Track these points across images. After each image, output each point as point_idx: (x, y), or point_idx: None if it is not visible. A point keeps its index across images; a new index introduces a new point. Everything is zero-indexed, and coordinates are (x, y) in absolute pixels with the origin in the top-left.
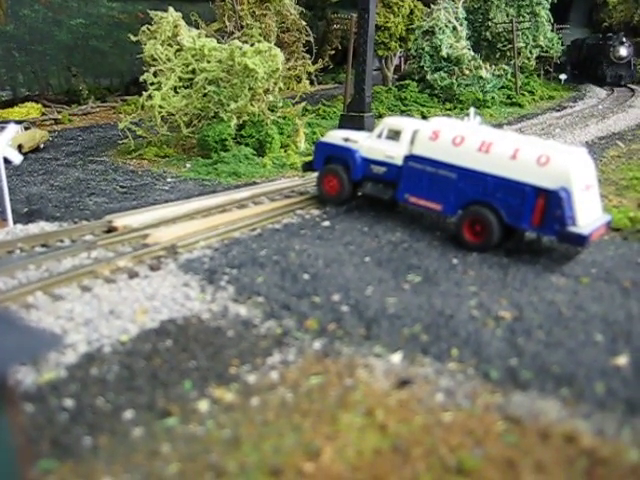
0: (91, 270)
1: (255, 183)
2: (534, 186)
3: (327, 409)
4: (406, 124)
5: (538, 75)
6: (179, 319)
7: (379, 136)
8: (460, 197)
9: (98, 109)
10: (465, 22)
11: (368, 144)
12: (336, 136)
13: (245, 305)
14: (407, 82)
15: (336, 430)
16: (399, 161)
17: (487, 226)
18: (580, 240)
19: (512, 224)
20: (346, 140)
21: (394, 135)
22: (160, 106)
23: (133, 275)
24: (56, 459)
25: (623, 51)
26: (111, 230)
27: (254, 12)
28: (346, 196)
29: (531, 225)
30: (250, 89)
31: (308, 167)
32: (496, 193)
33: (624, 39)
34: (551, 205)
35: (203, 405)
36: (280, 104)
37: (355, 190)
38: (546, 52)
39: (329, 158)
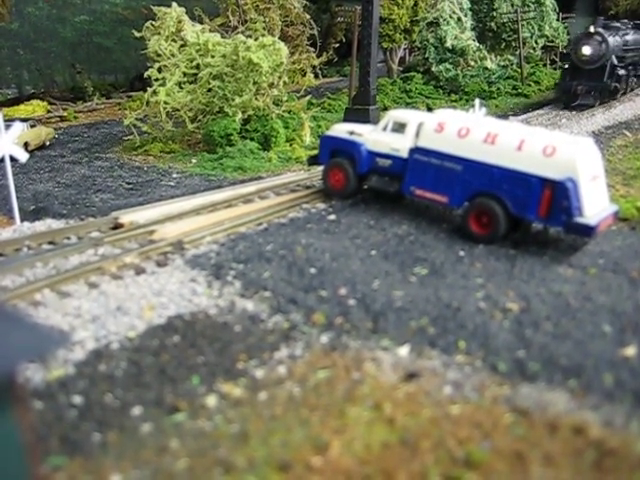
0: (98, 267)
1: (261, 177)
2: (540, 177)
3: (335, 403)
4: (411, 117)
5: (544, 65)
6: (186, 315)
7: (384, 129)
8: (466, 189)
9: (103, 106)
10: (470, 13)
11: (373, 137)
12: (341, 129)
13: (252, 300)
14: (412, 74)
15: (344, 424)
16: (404, 154)
17: (493, 218)
18: (587, 231)
19: (519, 215)
20: (351, 133)
21: (399, 128)
22: (165, 102)
23: (140, 271)
24: (65, 455)
25: (587, 50)
26: (117, 227)
27: (258, 6)
28: (352, 189)
29: (538, 216)
30: (255, 83)
31: (313, 161)
32: (502, 184)
33: (593, 30)
34: (558, 196)
35: (211, 400)
36: (285, 98)
37: (361, 183)
38: (552, 42)
39: (334, 152)
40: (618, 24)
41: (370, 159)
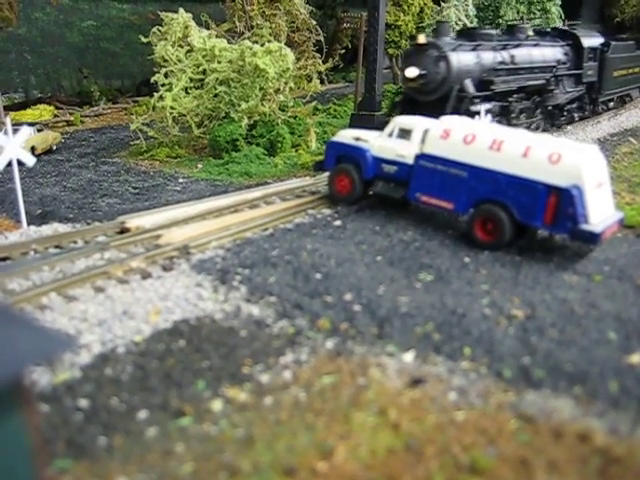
0: (104, 271)
1: (266, 183)
2: (546, 184)
3: (340, 408)
4: (417, 123)
5: None
6: (192, 319)
7: (390, 135)
8: (472, 195)
9: (110, 110)
10: (475, 19)
11: (379, 143)
12: (347, 135)
13: (258, 305)
14: None
15: (349, 429)
16: (410, 160)
17: (499, 224)
18: (592, 238)
19: (524, 222)
20: (357, 139)
21: (405, 134)
22: (171, 107)
23: (146, 276)
24: (71, 459)
25: (412, 71)
26: (124, 231)
27: (264, 12)
28: (358, 195)
29: (543, 223)
30: (261, 89)
31: (319, 167)
32: (508, 191)
33: (423, 40)
34: (563, 203)
35: (217, 405)
36: (291, 104)
37: (366, 189)
38: None
39: (340, 157)
40: (493, 31)
41: (376, 165)
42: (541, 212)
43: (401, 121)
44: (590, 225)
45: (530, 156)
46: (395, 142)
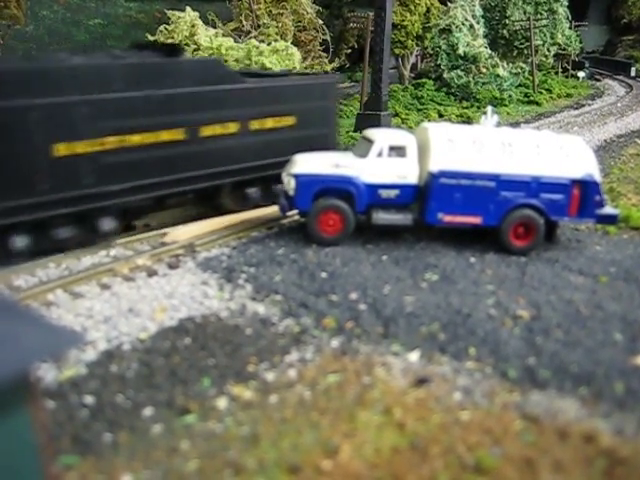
0: (110, 268)
1: None
2: (571, 178)
3: (345, 407)
4: (407, 137)
5: (556, 73)
6: (197, 317)
7: (379, 155)
8: (503, 205)
9: None
10: (482, 20)
11: (369, 166)
12: (319, 164)
13: (263, 303)
14: (424, 81)
15: (354, 428)
16: (414, 180)
17: (534, 227)
18: (614, 219)
19: (555, 219)
20: (337, 166)
21: (399, 152)
22: None
23: (152, 273)
24: (77, 455)
25: None
26: (130, 229)
27: (271, 11)
28: (350, 233)
29: (569, 215)
30: None
31: (287, 207)
32: (539, 193)
33: None
34: (589, 192)
35: (222, 402)
36: None
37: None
38: (564, 50)
39: (320, 192)
40: None
41: (370, 193)
42: (568, 205)
43: (386, 137)
44: (609, 208)
45: (544, 154)
46: (390, 162)
